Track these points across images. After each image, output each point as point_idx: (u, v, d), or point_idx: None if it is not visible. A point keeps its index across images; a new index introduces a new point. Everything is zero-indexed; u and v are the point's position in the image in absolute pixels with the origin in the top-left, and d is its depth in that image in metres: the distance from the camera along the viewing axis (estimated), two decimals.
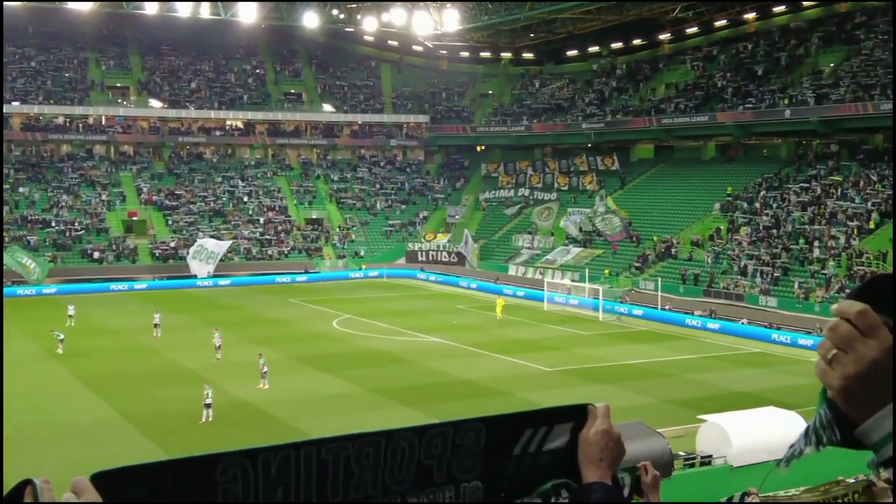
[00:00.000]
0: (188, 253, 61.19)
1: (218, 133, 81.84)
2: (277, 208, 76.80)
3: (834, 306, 1.49)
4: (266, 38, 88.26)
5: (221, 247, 61.33)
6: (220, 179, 78.40)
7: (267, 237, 72.65)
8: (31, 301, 56.42)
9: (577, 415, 2.13)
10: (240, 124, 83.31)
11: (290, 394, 32.03)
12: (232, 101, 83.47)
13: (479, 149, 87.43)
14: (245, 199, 76.81)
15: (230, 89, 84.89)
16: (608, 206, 65.76)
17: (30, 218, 67.69)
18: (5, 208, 67.64)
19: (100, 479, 1.63)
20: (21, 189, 70.76)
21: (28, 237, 65.25)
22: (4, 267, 56.02)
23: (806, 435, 1.57)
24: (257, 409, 30.09)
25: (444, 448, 2.04)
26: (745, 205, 61.01)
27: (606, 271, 59.23)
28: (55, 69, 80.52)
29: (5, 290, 58.18)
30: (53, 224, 67.82)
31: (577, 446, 2.08)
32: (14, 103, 74.77)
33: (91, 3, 74.33)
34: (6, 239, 63.40)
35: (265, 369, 33.14)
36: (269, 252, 71.20)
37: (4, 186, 69.50)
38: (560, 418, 2.13)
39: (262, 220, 74.38)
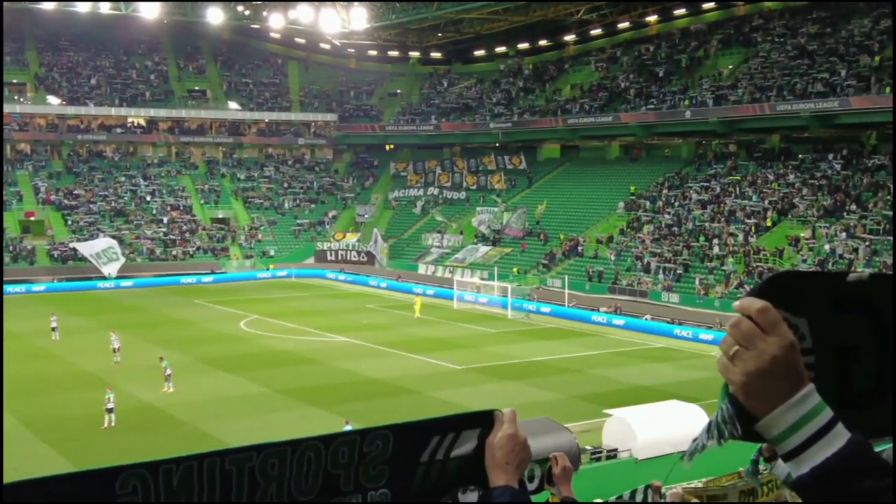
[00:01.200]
0: (92, 255, 60.01)
1: (119, 130, 79.78)
2: (182, 208, 75.30)
3: (736, 303, 1.52)
4: (169, 34, 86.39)
5: (110, 243, 60.45)
6: (121, 178, 76.45)
7: (171, 237, 71.16)
8: None
9: (484, 421, 2.13)
10: (142, 122, 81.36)
11: (195, 396, 31.44)
12: (133, 98, 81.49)
13: (387, 147, 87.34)
14: (148, 198, 75.09)
15: (132, 86, 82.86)
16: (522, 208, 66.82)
17: None
18: None
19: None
20: None
21: None
22: None
23: (708, 430, 1.60)
24: (162, 413, 29.45)
25: (350, 457, 2.02)
26: (647, 203, 62.43)
27: (515, 269, 59.87)
28: None
29: None
30: None
31: (485, 452, 2.09)
32: None
33: None
34: None
35: (168, 372, 32.46)
36: (174, 252, 69.76)
37: None
38: (467, 425, 2.13)
39: (165, 220, 72.81)
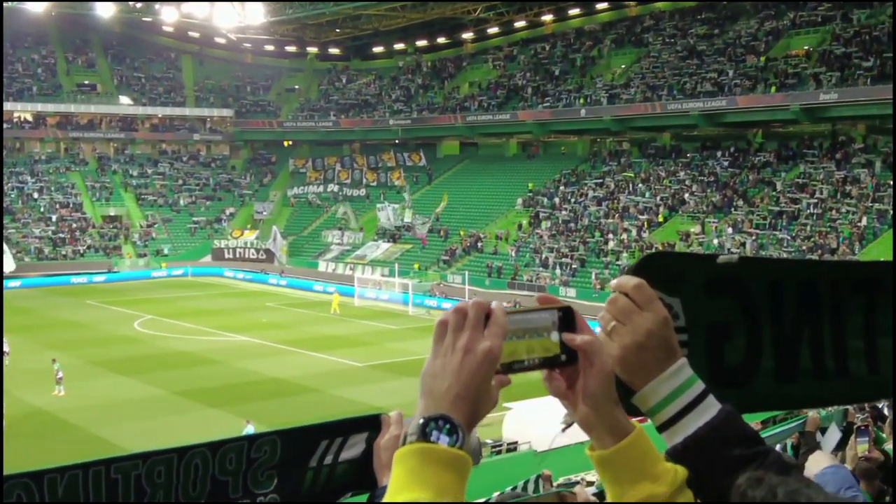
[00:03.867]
0: None
1: (5, 126, 76.67)
2: (71, 205, 72.94)
3: (613, 281, 1.60)
4: (56, 26, 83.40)
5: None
6: (6, 175, 73.59)
7: (60, 236, 68.88)
8: None
9: (372, 424, 2.16)
10: (28, 117, 78.47)
11: (89, 400, 30.57)
12: (20, 93, 78.42)
13: (286, 144, 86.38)
14: (35, 195, 72.50)
15: (17, 79, 79.68)
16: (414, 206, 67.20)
17: None
18: None
19: None
20: None
21: None
22: None
23: None
24: (54, 418, 28.55)
25: (238, 463, 2.03)
26: (545, 200, 63.40)
27: (416, 265, 60.03)
28: None
29: None
30: None
31: (373, 454, 2.12)
32: None
33: None
34: None
35: (60, 375, 31.48)
36: (63, 252, 67.55)
37: None
38: (354, 428, 2.17)
39: (54, 218, 70.42)
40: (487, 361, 1.37)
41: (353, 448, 2.15)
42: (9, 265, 57.66)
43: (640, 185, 60.12)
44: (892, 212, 46.30)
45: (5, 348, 35.82)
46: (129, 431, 26.10)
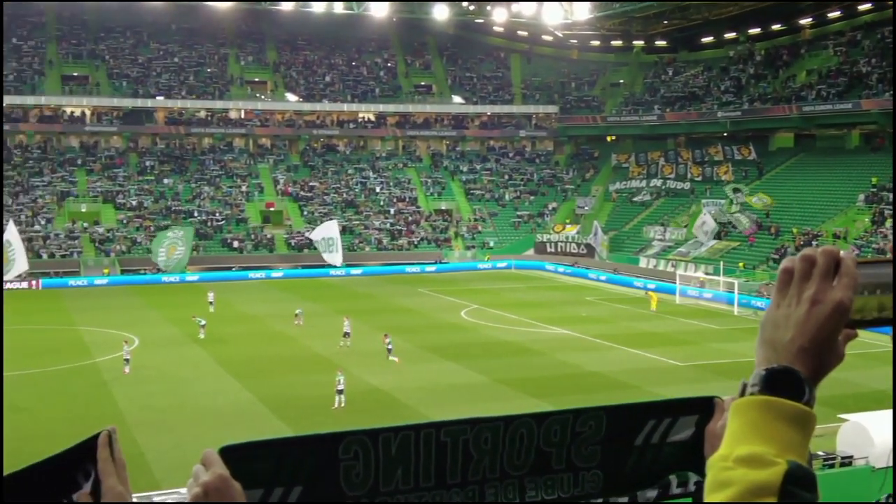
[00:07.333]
0: (320, 247, 63.59)
1: (351, 125, 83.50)
2: (407, 199, 77.82)
3: None
4: (397, 32, 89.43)
5: (332, 229, 63.03)
6: (352, 171, 79.98)
7: (397, 228, 73.72)
8: (173, 288, 59.05)
9: (703, 407, 2.06)
10: (371, 117, 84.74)
11: (418, 382, 32.47)
12: (364, 94, 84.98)
13: (609, 139, 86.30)
14: (377, 189, 78.13)
15: (362, 82, 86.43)
16: (745, 201, 64.38)
17: (174, 208, 70.72)
18: (149, 198, 71.04)
19: (229, 452, 1.67)
20: (165, 180, 73.99)
21: (172, 227, 68.04)
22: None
23: None
24: (387, 396, 30.63)
25: (563, 435, 2.03)
26: (891, 196, 58.18)
27: (741, 264, 57.56)
28: (197, 65, 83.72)
29: (150, 277, 61.19)
30: (196, 214, 70.62)
31: (703, 440, 2.01)
32: (158, 98, 78.25)
33: (230, 1, 77.10)
34: (152, 227, 66.61)
35: (390, 346, 34.90)
36: (400, 243, 72.24)
37: (149, 177, 73.31)
38: (685, 410, 2.08)
39: (392, 211, 75.51)
40: (837, 315, 1.28)
41: (683, 431, 2.08)
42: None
43: None
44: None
45: (347, 329, 38.97)
46: (453, 414, 27.02)
